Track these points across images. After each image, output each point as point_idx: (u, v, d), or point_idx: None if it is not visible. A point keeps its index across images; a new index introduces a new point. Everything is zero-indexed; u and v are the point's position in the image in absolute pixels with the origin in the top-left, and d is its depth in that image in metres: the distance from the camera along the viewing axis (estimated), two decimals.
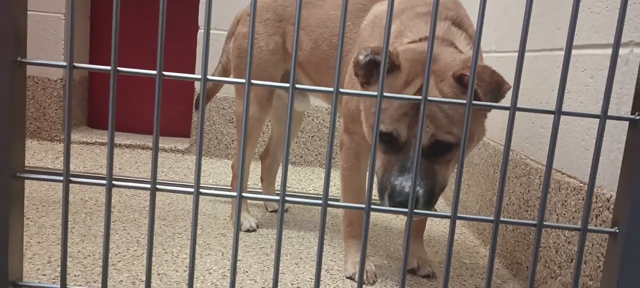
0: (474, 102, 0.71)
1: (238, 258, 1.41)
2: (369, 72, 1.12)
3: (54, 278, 1.23)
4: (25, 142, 0.83)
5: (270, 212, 2.01)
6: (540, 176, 1.43)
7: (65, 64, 0.77)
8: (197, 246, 1.55)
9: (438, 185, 1.10)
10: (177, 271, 1.37)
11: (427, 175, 1.06)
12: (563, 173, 1.32)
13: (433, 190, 1.08)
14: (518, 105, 0.72)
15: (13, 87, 0.78)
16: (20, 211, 0.84)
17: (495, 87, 1.03)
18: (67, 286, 0.83)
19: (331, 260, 1.56)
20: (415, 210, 0.75)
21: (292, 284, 1.36)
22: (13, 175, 0.80)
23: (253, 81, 0.75)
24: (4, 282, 0.82)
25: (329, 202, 0.75)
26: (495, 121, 1.90)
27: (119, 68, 0.76)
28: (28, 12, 0.84)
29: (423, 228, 1.60)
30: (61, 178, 0.78)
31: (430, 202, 1.08)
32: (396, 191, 1.05)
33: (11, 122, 0.79)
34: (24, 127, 0.82)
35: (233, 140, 2.94)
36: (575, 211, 1.23)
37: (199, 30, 2.89)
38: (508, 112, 0.72)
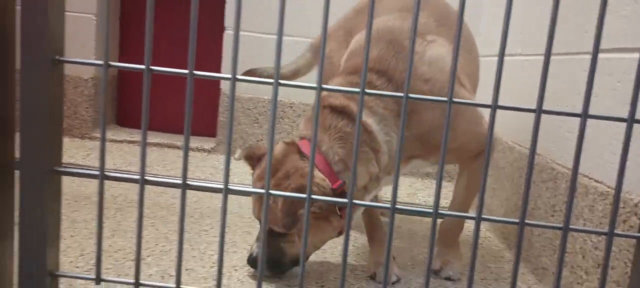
0: (454, 101, 0.72)
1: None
2: (252, 161, 1.42)
3: (87, 270, 1.27)
4: (62, 138, 0.87)
5: None
6: (566, 181, 1.42)
7: (101, 62, 0.80)
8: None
9: (285, 257, 1.34)
10: (203, 267, 1.40)
11: (272, 248, 1.33)
12: (590, 178, 1.30)
13: (278, 260, 1.35)
14: (544, 108, 0.72)
15: (51, 85, 0.81)
16: (58, 204, 0.87)
17: (290, 212, 1.25)
18: (102, 277, 0.86)
19: (355, 261, 1.58)
20: (439, 211, 0.75)
21: (316, 283, 1.38)
22: (51, 170, 0.83)
23: (280, 81, 0.77)
24: (42, 272, 0.85)
25: (354, 202, 0.76)
26: (520, 124, 1.89)
27: (152, 67, 0.78)
28: None
29: (453, 236, 1.57)
30: (97, 173, 0.81)
31: (273, 267, 1.36)
32: (250, 252, 1.37)
33: (49, 118, 0.82)
34: (61, 124, 0.86)
35: (258, 140, 2.98)
36: (603, 216, 1.22)
37: (225, 32, 2.92)
38: (533, 115, 0.72)
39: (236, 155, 1.41)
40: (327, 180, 1.26)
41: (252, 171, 1.40)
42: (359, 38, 1.48)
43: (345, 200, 0.77)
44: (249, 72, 1.96)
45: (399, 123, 1.35)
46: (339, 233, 1.36)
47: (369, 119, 1.31)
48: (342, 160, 1.29)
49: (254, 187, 1.34)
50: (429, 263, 0.77)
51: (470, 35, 1.68)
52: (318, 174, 1.26)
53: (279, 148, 1.33)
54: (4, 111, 0.82)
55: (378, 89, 1.32)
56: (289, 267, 1.37)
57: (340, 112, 1.32)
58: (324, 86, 0.77)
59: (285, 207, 1.24)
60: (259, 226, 1.37)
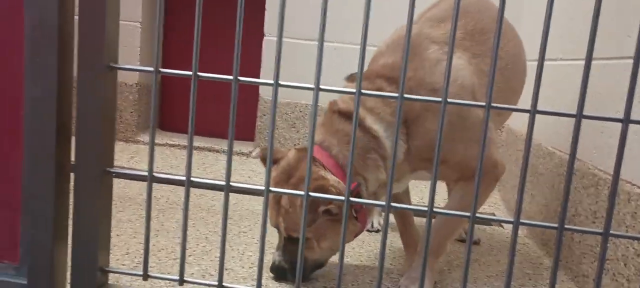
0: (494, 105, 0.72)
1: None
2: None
3: (132, 268, 1.32)
4: (114, 141, 0.91)
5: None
6: (608, 187, 1.40)
7: (152, 69, 0.84)
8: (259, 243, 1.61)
9: (306, 261, 1.33)
10: (242, 267, 1.43)
11: (292, 255, 1.34)
12: (633, 185, 1.28)
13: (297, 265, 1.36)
14: (584, 113, 0.72)
15: (105, 90, 0.86)
16: (109, 203, 0.92)
17: (312, 210, 1.26)
18: (148, 273, 0.90)
19: (391, 264, 1.58)
20: (435, 210, 0.77)
21: (352, 285, 1.40)
22: (103, 170, 0.88)
23: (322, 87, 0.79)
24: (93, 267, 0.90)
25: (351, 199, 0.78)
26: (560, 130, 1.86)
27: (199, 73, 0.82)
28: None
29: (437, 248, 1.40)
30: (146, 174, 0.85)
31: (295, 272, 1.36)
32: (271, 261, 1.39)
33: (103, 122, 0.87)
34: (114, 127, 0.90)
35: (295, 144, 3.01)
36: None
37: (265, 38, 2.98)
38: (573, 120, 0.72)
39: (253, 153, 1.43)
40: (342, 182, 1.27)
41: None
42: (381, 45, 1.49)
43: (382, 203, 0.79)
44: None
45: (406, 130, 1.35)
46: (355, 236, 1.38)
47: (375, 126, 1.32)
48: (352, 165, 1.30)
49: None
50: (424, 262, 0.78)
51: (514, 47, 1.63)
52: (332, 177, 1.27)
53: (291, 154, 1.35)
54: (62, 115, 0.87)
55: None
56: (311, 271, 1.38)
57: (349, 116, 1.34)
58: (322, 87, 0.80)
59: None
60: (278, 233, 1.39)
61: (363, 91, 0.80)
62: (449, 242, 1.43)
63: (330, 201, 1.19)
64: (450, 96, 1.34)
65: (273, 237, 1.70)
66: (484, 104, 0.73)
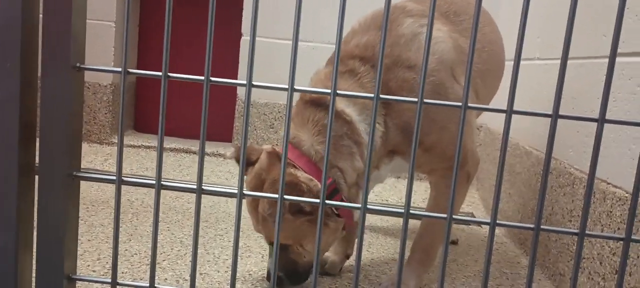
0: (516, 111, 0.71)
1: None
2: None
3: (103, 274, 1.29)
4: (81, 143, 0.88)
5: None
6: (584, 186, 1.41)
7: (120, 69, 0.81)
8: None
9: (299, 266, 1.31)
10: (218, 271, 1.40)
11: (285, 261, 1.30)
12: (608, 183, 1.29)
13: (294, 271, 1.31)
14: (561, 113, 0.72)
15: (72, 91, 0.83)
16: (76, 209, 0.89)
17: (294, 210, 1.22)
18: (117, 281, 0.87)
19: (369, 266, 1.57)
20: (411, 211, 0.75)
21: (329, 286, 1.38)
22: (70, 174, 0.85)
23: (296, 87, 0.77)
24: (59, 275, 0.87)
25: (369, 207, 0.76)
26: (537, 129, 1.87)
27: (169, 74, 0.79)
28: None
29: (425, 257, 1.38)
30: (114, 178, 0.82)
31: (294, 281, 1.32)
32: (267, 271, 1.36)
33: (69, 124, 0.84)
34: (81, 129, 0.87)
35: (274, 144, 2.99)
36: (621, 222, 1.20)
37: (242, 38, 2.95)
38: (550, 119, 0.72)
39: (228, 154, 1.36)
40: (314, 179, 1.20)
41: (245, 169, 1.30)
42: (354, 23, 1.42)
43: (358, 205, 0.78)
44: (328, 61, 1.85)
45: (384, 111, 1.27)
46: (339, 231, 1.31)
47: (348, 109, 1.25)
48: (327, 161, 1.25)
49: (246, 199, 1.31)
50: (400, 265, 0.77)
51: (490, 33, 1.60)
52: (304, 175, 1.20)
53: (263, 157, 1.29)
54: (26, 116, 0.83)
55: (361, 75, 1.27)
56: (306, 275, 1.33)
57: (317, 104, 1.27)
58: (296, 88, 0.78)
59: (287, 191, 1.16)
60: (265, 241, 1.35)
61: (338, 91, 0.78)
62: (436, 247, 1.38)
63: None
64: (429, 72, 1.27)
65: (250, 241, 1.68)
66: (459, 104, 0.72)
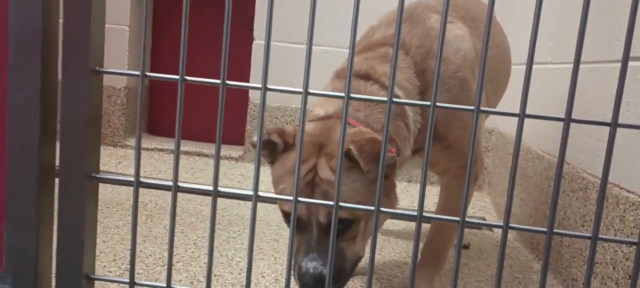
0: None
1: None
2: (272, 150, 1.12)
3: (119, 275, 1.31)
4: (100, 145, 0.90)
5: None
6: (597, 190, 1.40)
7: (138, 73, 0.83)
8: None
9: (347, 262, 1.07)
10: (231, 273, 1.42)
11: (327, 252, 1.02)
12: (621, 188, 1.29)
13: (341, 268, 1.06)
14: (573, 117, 0.72)
15: (91, 94, 0.85)
16: (94, 209, 0.91)
17: (376, 156, 1.00)
18: (135, 281, 0.88)
19: (381, 270, 1.58)
20: (424, 214, 0.76)
21: None
22: (89, 176, 0.87)
23: (310, 91, 0.79)
24: (78, 274, 0.89)
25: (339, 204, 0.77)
26: (549, 133, 1.87)
27: (186, 77, 0.81)
28: None
29: (437, 260, 1.36)
30: (132, 180, 0.84)
31: (338, 280, 1.06)
32: (302, 273, 1.02)
33: (88, 127, 0.86)
34: (100, 132, 0.89)
35: None
36: (634, 226, 1.20)
37: (255, 41, 2.97)
38: (562, 124, 0.72)
39: (253, 140, 1.06)
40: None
41: (270, 161, 1.16)
42: (373, 24, 1.43)
43: (371, 208, 0.78)
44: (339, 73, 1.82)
45: (422, 98, 1.25)
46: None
47: (399, 92, 1.22)
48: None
49: (283, 180, 1.09)
50: (412, 269, 0.77)
51: (501, 42, 1.63)
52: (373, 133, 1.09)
53: (311, 125, 1.12)
54: (46, 120, 0.85)
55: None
56: (349, 274, 1.09)
57: (367, 77, 1.21)
58: (310, 91, 0.78)
59: (367, 148, 1.01)
60: (291, 233, 1.15)
61: (352, 95, 0.79)
62: (447, 250, 1.39)
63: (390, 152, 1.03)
64: (454, 67, 1.29)
65: (263, 243, 1.69)
66: (472, 108, 0.73)
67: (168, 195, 2.07)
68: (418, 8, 1.37)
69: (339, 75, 1.30)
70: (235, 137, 3.29)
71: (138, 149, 0.82)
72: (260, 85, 0.81)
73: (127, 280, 0.89)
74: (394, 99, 0.76)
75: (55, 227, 0.90)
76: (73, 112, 0.84)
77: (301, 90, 0.79)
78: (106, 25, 0.91)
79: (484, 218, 2.30)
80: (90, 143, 0.86)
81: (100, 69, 0.86)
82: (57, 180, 0.89)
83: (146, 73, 0.84)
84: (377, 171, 0.97)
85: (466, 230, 1.99)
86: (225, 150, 3.09)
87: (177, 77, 0.82)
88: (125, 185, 0.86)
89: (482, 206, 2.52)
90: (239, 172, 2.76)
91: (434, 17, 1.34)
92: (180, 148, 3.02)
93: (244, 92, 3.14)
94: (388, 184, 1.11)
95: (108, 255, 1.44)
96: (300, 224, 1.06)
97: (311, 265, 1.01)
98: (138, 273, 1.35)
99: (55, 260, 0.90)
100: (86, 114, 0.84)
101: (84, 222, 0.88)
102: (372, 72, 1.23)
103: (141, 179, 0.85)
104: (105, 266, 1.36)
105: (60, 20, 0.86)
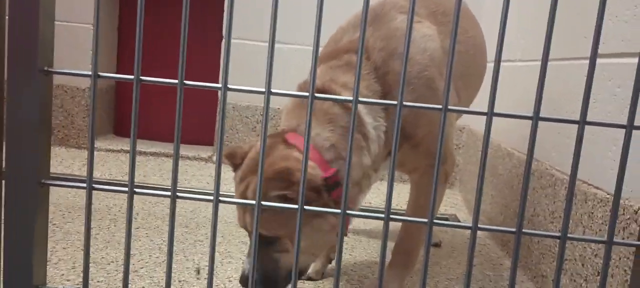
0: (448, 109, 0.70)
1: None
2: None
3: (78, 283, 1.25)
4: (50, 149, 0.85)
5: None
6: (566, 187, 1.41)
7: (90, 73, 0.78)
8: (217, 254, 1.56)
9: (280, 270, 1.16)
10: (198, 279, 1.37)
11: (264, 261, 1.14)
12: (589, 185, 1.29)
13: (274, 274, 1.16)
14: (541, 115, 0.71)
15: (39, 96, 0.80)
16: (45, 217, 0.86)
17: (287, 185, 1.08)
18: None
19: (352, 270, 1.56)
20: (392, 216, 0.74)
21: None
22: (38, 181, 0.82)
23: (273, 90, 0.75)
24: (28, 285, 0.83)
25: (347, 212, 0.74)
26: (519, 130, 1.87)
27: (141, 77, 0.77)
28: (59, 23, 0.86)
29: (407, 260, 1.36)
30: (84, 185, 0.79)
31: (271, 284, 1.16)
32: (241, 272, 1.18)
33: (37, 130, 0.81)
34: (50, 135, 0.84)
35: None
36: (602, 223, 1.20)
37: (223, 40, 2.91)
38: (531, 122, 0.71)
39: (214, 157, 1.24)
40: (318, 168, 1.11)
41: (233, 171, 1.24)
42: (342, 25, 1.41)
43: (338, 210, 0.76)
44: (303, 84, 1.80)
45: (383, 108, 1.23)
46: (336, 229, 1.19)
47: None
48: (333, 147, 1.16)
49: (236, 188, 1.19)
50: (381, 269, 0.75)
51: (474, 36, 1.60)
52: (298, 155, 1.12)
53: (268, 140, 1.17)
54: None
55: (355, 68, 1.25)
56: (285, 282, 1.18)
57: (323, 92, 1.20)
58: (273, 91, 0.76)
59: (276, 176, 1.08)
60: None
61: (316, 95, 0.76)
62: (418, 249, 1.37)
63: (287, 186, 1.06)
64: (420, 67, 1.27)
65: (231, 246, 1.65)
66: (440, 107, 0.71)
67: (135, 198, 2.01)
68: (385, 7, 1.35)
69: (301, 88, 1.28)
70: (204, 137, 3.23)
71: (91, 152, 0.78)
72: (219, 85, 0.77)
73: None
74: (360, 99, 0.74)
75: (1, 235, 0.85)
76: (20, 114, 0.79)
77: (263, 89, 0.76)
78: (70, 24, 0.86)
79: (455, 216, 2.30)
80: (39, 146, 0.81)
81: (50, 69, 0.81)
82: (3, 184, 0.84)
83: (99, 73, 0.80)
84: (294, 198, 1.06)
85: (437, 227, 1.98)
86: (195, 151, 3.03)
87: (131, 77, 0.77)
88: (78, 188, 0.81)
89: (453, 203, 2.52)
90: (209, 172, 2.71)
91: (400, 18, 1.31)
92: (149, 150, 2.96)
93: (213, 92, 3.08)
94: (322, 205, 1.11)
95: (67, 263, 1.38)
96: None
97: (246, 267, 1.15)
98: (98, 282, 1.29)
99: (2, 271, 0.85)
100: (34, 116, 0.79)
101: (34, 230, 0.83)
102: (332, 85, 1.23)
103: (95, 183, 0.80)
104: (63, 274, 1.30)
105: (7, 18, 0.81)
